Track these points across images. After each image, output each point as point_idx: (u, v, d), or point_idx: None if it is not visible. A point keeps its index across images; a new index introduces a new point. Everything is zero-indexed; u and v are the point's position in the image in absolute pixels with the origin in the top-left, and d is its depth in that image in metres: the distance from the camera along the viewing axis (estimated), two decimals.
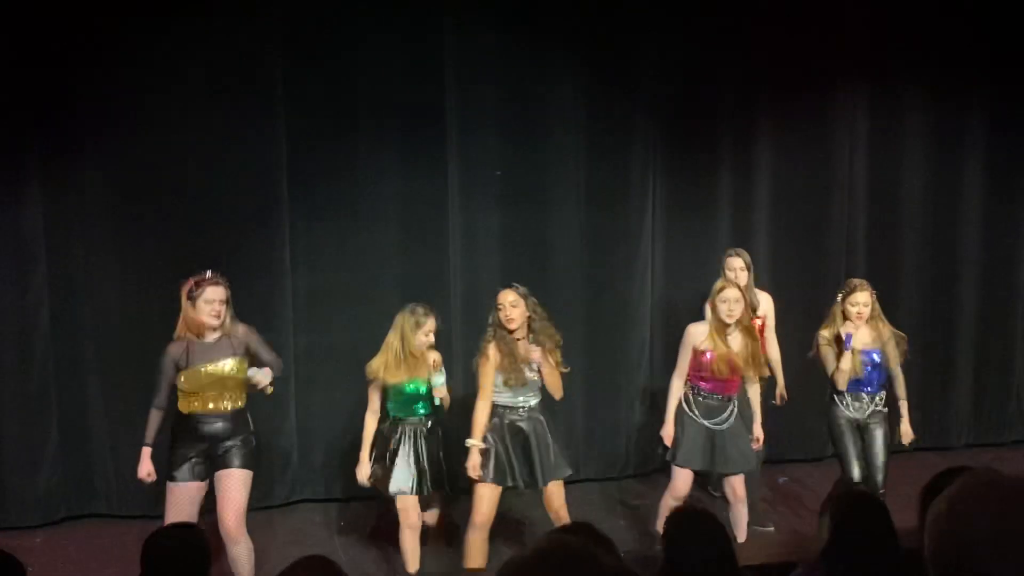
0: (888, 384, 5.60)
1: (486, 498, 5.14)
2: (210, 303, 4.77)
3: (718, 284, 5.42)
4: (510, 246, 6.75)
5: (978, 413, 7.75)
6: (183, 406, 4.83)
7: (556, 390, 5.25)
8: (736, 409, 5.40)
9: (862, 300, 5.42)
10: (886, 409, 5.62)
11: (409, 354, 5.14)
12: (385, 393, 5.24)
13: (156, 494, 6.19)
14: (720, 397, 5.35)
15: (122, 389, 6.18)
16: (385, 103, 6.47)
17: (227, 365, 4.81)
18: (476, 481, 5.13)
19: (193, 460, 4.81)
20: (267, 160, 6.37)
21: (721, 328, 5.26)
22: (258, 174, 6.38)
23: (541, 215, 6.82)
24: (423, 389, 5.17)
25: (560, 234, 6.85)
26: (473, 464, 5.08)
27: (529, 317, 5.13)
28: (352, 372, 6.59)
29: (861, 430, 5.57)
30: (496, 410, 5.16)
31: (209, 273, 4.85)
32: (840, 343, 5.43)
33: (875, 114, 7.30)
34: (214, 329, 4.82)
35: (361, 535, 6.05)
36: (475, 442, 5.09)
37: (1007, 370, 7.81)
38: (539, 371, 5.15)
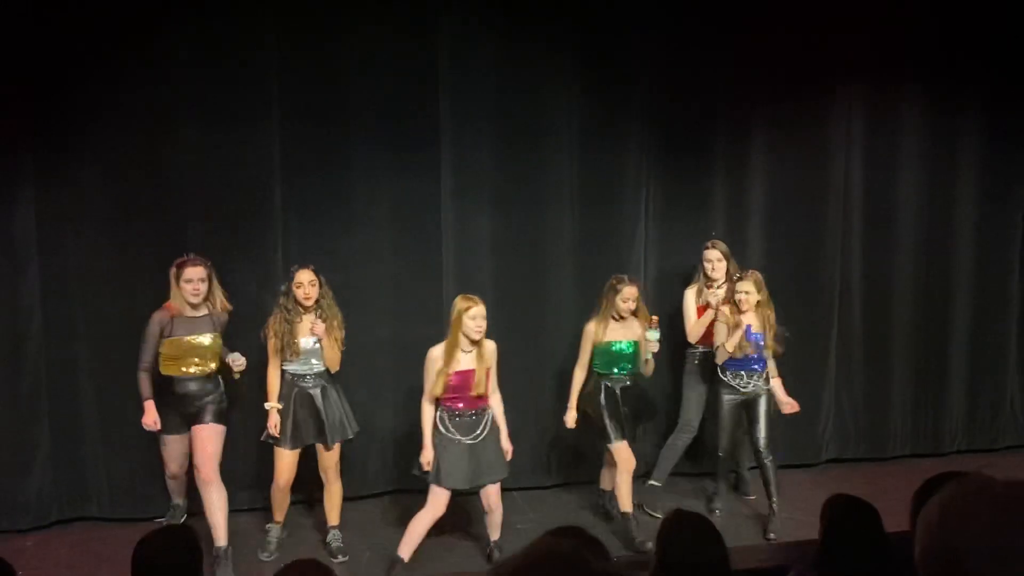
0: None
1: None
2: (190, 282, 5.50)
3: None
4: (503, 248, 6.75)
5: (971, 419, 7.76)
6: (163, 369, 5.57)
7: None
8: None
9: (744, 288, 6.06)
10: (768, 385, 6.19)
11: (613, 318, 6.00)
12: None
13: (147, 497, 6.27)
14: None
15: (114, 391, 6.17)
16: (378, 104, 6.47)
17: (206, 339, 5.59)
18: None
19: (175, 415, 5.61)
20: (260, 161, 6.37)
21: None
22: (251, 175, 6.37)
23: (534, 217, 6.81)
24: (628, 349, 6.01)
25: (553, 237, 6.84)
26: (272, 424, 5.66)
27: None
28: (348, 372, 6.61)
29: (747, 404, 6.17)
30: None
31: (191, 255, 5.57)
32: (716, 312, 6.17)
33: (870, 119, 7.30)
34: (194, 307, 5.54)
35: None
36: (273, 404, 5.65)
37: (1000, 376, 7.81)
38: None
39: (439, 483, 5.42)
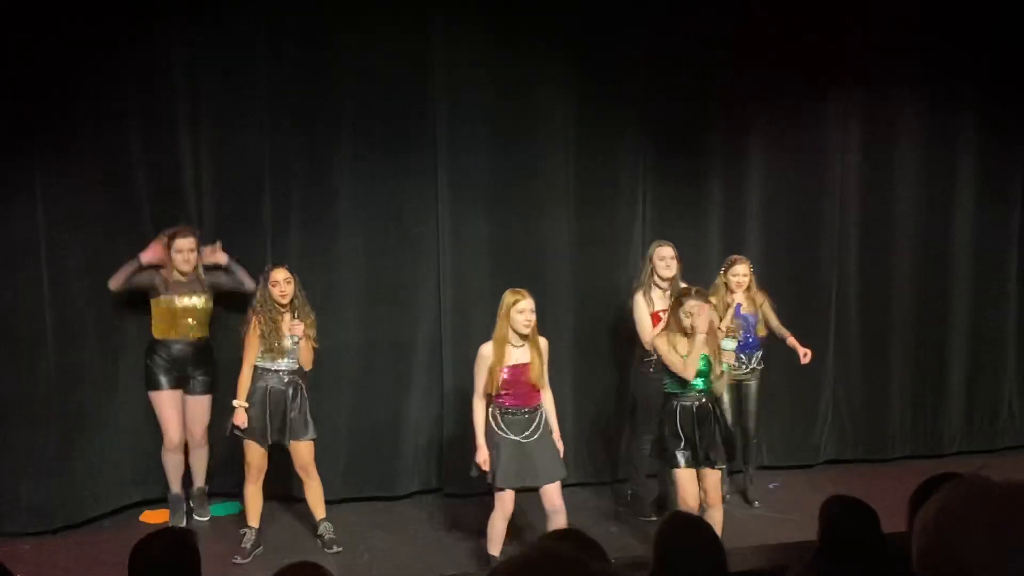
0: (771, 336, 6.42)
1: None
2: (180, 252, 5.90)
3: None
4: (499, 250, 6.75)
5: (969, 419, 7.75)
6: (156, 332, 5.99)
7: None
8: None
9: (741, 271, 6.24)
10: (761, 365, 6.41)
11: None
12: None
13: (147, 498, 6.27)
14: None
15: (117, 393, 6.18)
16: (372, 105, 6.48)
17: (198, 301, 5.98)
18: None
19: (168, 374, 6.00)
20: (252, 163, 6.38)
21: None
22: (243, 177, 6.39)
23: (530, 220, 6.81)
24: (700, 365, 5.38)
25: (549, 239, 6.84)
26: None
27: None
28: (345, 373, 6.61)
29: (738, 387, 6.33)
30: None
31: (181, 225, 5.97)
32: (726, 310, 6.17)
33: (866, 119, 7.31)
34: (184, 274, 5.92)
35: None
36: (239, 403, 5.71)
37: (999, 376, 7.81)
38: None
39: (495, 484, 5.31)
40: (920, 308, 7.53)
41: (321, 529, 5.93)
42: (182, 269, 5.91)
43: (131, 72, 6.15)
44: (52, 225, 6.06)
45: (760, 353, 6.43)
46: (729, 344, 5.45)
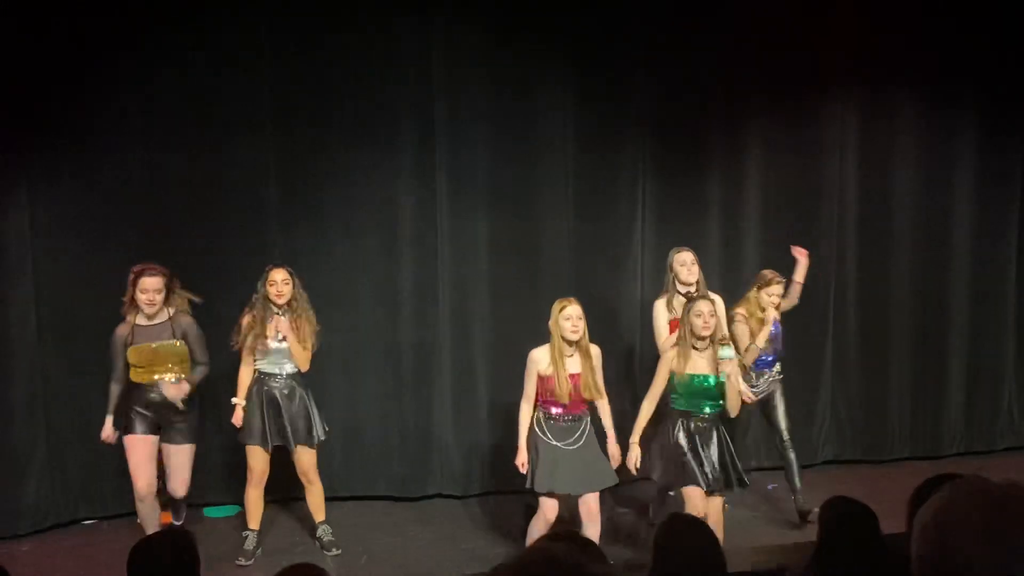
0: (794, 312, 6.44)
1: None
2: (145, 292, 5.42)
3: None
4: (498, 251, 6.75)
5: (969, 421, 7.75)
6: (133, 376, 5.51)
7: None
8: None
9: (777, 292, 6.11)
10: (781, 375, 6.28)
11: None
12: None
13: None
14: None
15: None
16: (373, 107, 6.48)
17: (169, 345, 5.49)
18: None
19: (145, 418, 5.52)
20: (253, 164, 6.38)
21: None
22: (244, 181, 6.38)
23: (530, 222, 6.81)
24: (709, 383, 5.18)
25: (549, 242, 6.84)
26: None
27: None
28: (343, 374, 6.61)
29: (763, 403, 6.19)
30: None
31: (149, 264, 5.47)
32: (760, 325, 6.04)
33: (866, 119, 7.31)
34: (148, 317, 5.46)
35: None
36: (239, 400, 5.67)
37: (998, 377, 7.81)
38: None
39: (533, 487, 5.25)
40: (919, 308, 7.53)
41: (320, 531, 5.92)
42: (145, 311, 5.43)
43: (128, 75, 6.14)
44: (43, 225, 6.07)
45: (779, 364, 6.29)
46: (727, 352, 5.12)
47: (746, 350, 5.98)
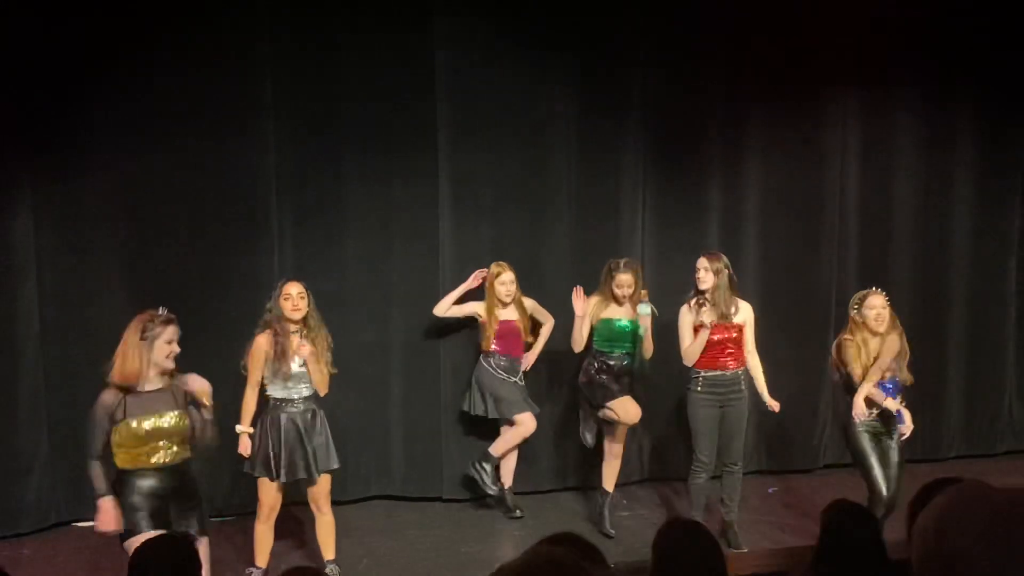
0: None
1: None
2: (170, 343, 4.35)
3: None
4: (500, 254, 6.73)
5: (969, 424, 7.74)
6: (120, 461, 4.31)
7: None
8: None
9: (879, 303, 5.45)
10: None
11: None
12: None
13: None
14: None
15: None
16: (374, 109, 6.49)
17: (169, 419, 4.33)
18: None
19: (149, 512, 4.29)
20: (256, 168, 6.38)
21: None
22: (246, 182, 6.39)
23: (531, 226, 6.81)
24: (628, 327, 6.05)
25: (550, 245, 6.84)
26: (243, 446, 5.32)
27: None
28: (345, 376, 6.60)
29: (877, 440, 5.54)
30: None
31: (163, 310, 4.42)
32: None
33: (866, 120, 7.31)
34: (162, 374, 4.35)
35: None
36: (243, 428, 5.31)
37: (998, 381, 7.80)
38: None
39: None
40: (919, 311, 7.50)
41: (328, 569, 5.45)
42: (165, 366, 4.38)
43: (131, 77, 6.15)
44: (47, 225, 6.08)
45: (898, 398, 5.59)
46: (644, 309, 5.86)
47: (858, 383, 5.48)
